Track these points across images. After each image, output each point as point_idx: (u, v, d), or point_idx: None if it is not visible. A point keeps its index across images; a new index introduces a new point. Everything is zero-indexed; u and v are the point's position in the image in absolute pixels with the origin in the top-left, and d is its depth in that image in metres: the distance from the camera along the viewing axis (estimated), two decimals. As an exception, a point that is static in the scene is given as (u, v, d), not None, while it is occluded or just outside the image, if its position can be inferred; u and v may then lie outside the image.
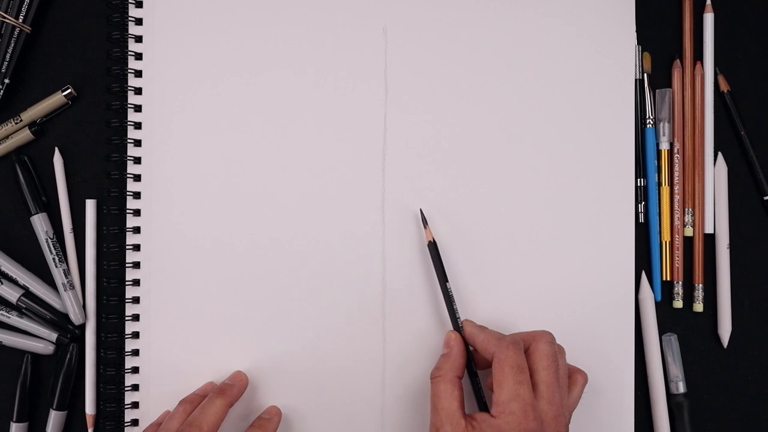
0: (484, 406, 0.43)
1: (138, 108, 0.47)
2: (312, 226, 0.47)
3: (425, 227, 0.47)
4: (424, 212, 0.47)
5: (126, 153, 0.47)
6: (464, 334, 0.44)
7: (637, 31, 0.50)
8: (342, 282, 0.47)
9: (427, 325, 0.47)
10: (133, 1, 0.47)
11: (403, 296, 0.47)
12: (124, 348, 0.46)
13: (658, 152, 0.50)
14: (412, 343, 0.47)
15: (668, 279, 0.50)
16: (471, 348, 0.44)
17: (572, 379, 0.44)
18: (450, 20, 0.49)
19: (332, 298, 0.47)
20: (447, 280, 0.45)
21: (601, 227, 0.49)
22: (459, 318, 0.45)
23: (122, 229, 0.46)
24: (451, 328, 0.45)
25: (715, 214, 0.50)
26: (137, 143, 0.47)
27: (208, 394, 0.44)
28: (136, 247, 0.46)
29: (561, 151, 0.49)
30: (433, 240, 0.46)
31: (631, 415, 0.48)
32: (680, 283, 0.50)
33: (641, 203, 0.50)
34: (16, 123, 0.47)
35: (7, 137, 0.47)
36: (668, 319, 0.50)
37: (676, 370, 0.49)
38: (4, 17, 0.46)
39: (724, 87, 0.51)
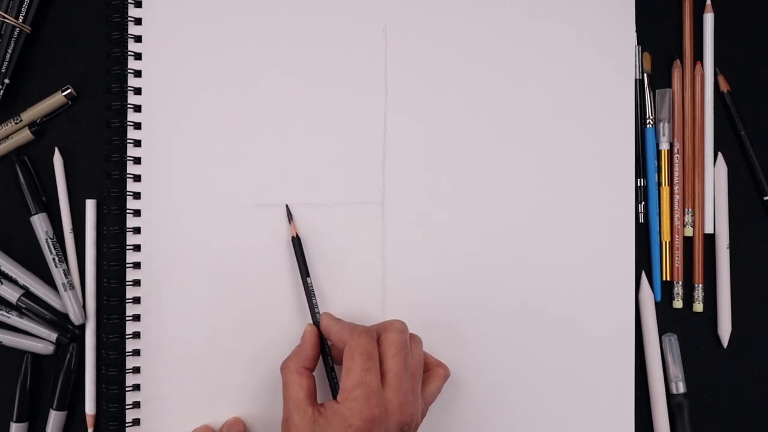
0: None
1: (138, 108, 0.47)
2: (313, 226, 0.47)
3: (290, 222, 0.46)
4: (290, 208, 0.47)
5: (126, 153, 0.47)
6: (320, 327, 0.44)
7: (637, 31, 0.50)
8: (344, 281, 0.47)
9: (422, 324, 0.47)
10: (133, 1, 0.47)
11: (403, 292, 0.47)
12: (125, 348, 0.46)
13: (658, 152, 0.50)
14: None
15: (668, 279, 0.50)
16: (329, 343, 0.44)
17: (432, 371, 0.44)
18: (450, 20, 0.49)
19: (335, 297, 0.47)
20: (308, 275, 0.45)
21: (601, 227, 0.49)
22: (317, 312, 0.45)
23: (122, 230, 0.46)
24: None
25: (715, 214, 0.50)
26: (137, 143, 0.47)
27: None
28: (137, 248, 0.46)
29: (561, 152, 0.49)
30: (297, 235, 0.46)
31: (631, 415, 0.48)
32: (680, 283, 0.50)
33: (641, 203, 0.50)
34: (16, 123, 0.47)
35: (7, 137, 0.47)
36: (668, 319, 0.50)
37: (676, 370, 0.49)
38: (4, 17, 0.46)
39: (724, 87, 0.51)
